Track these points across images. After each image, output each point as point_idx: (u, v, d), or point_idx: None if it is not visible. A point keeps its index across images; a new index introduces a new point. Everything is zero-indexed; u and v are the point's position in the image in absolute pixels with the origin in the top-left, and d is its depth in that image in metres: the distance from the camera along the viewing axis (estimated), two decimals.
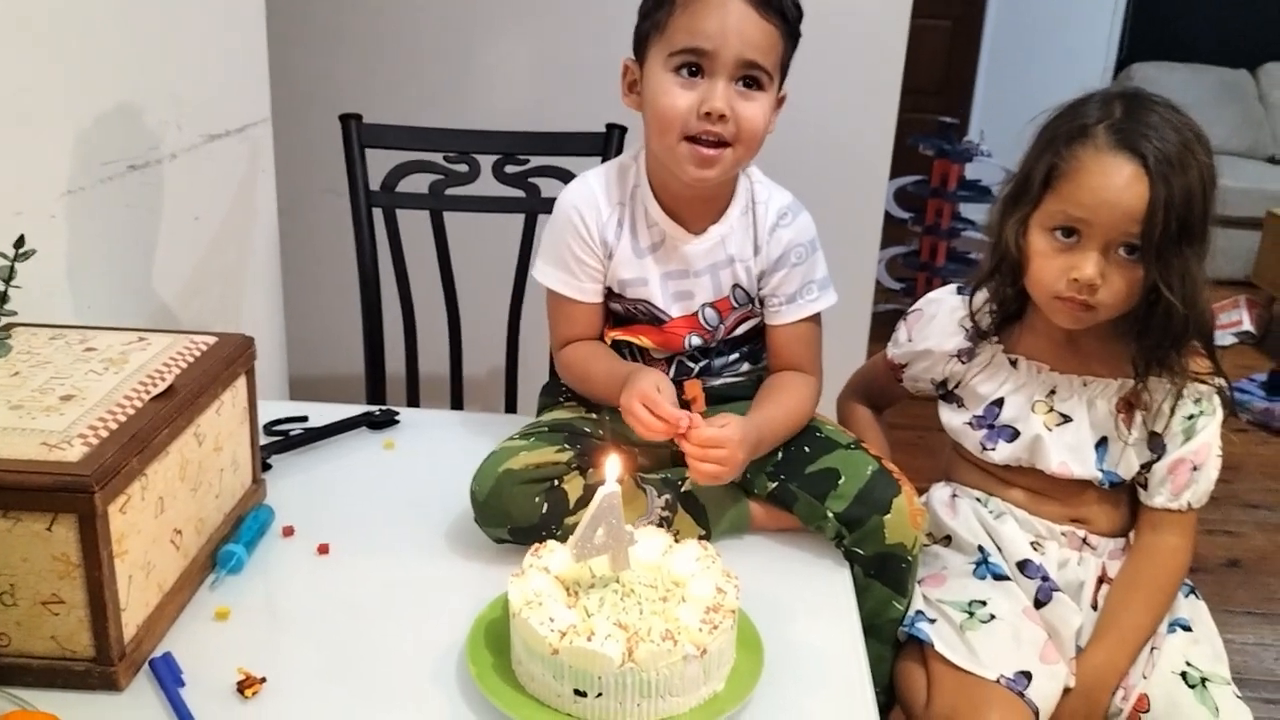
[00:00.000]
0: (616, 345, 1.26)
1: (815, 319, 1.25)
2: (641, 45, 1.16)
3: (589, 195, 1.22)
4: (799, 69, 1.19)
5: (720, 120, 1.10)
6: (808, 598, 1.09)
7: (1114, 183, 1.12)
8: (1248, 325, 4.18)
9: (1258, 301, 4.23)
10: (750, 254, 1.21)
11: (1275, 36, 5.41)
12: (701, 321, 1.23)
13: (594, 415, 1.25)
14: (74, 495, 0.83)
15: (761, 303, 1.24)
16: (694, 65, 1.10)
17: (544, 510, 1.11)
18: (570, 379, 1.27)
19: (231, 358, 1.08)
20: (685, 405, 1.22)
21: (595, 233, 1.21)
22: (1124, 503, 1.29)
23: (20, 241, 0.71)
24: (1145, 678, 1.18)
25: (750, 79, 1.11)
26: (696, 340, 1.24)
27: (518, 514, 1.10)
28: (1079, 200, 1.14)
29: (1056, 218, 1.17)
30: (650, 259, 1.21)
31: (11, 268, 0.71)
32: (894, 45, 2.31)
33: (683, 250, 1.21)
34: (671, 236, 1.21)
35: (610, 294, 1.24)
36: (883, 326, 1.41)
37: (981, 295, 1.29)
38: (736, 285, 1.22)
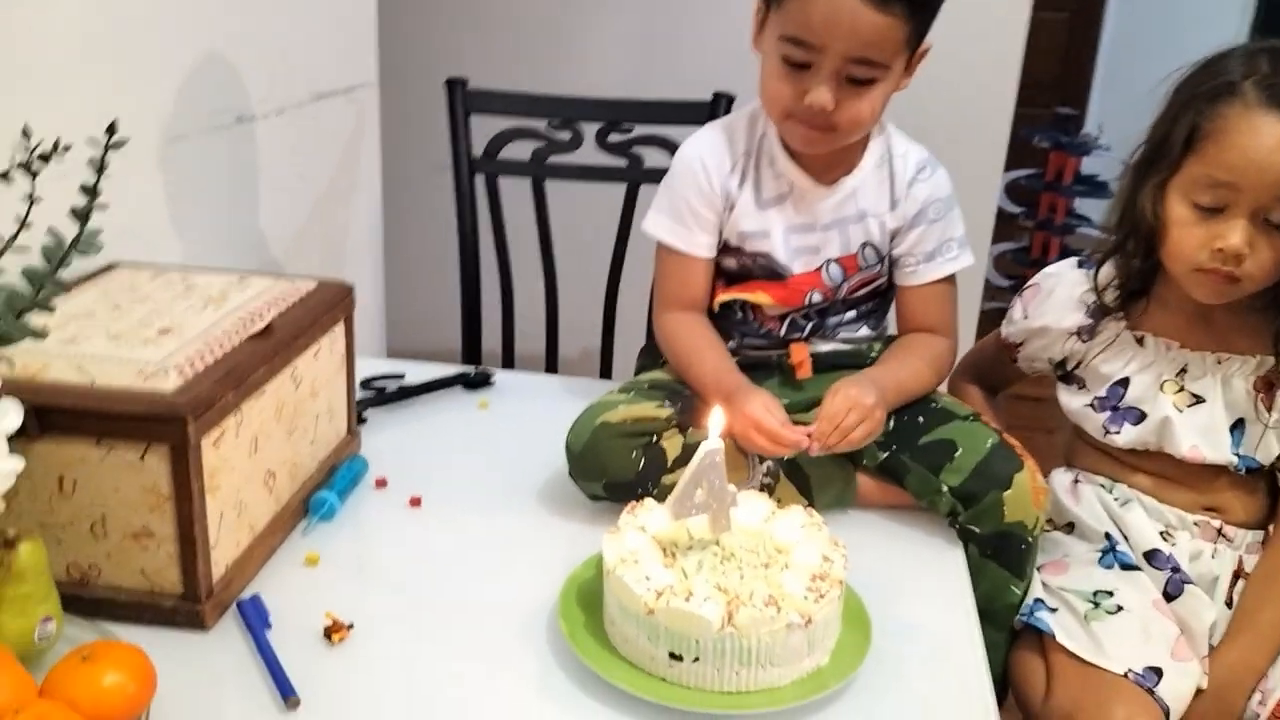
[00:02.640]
0: (728, 305, 1.22)
1: (951, 280, 1.20)
2: None
3: (713, 145, 1.18)
4: (930, 40, 1.12)
5: (822, 114, 1.06)
6: (918, 577, 1.03)
7: (1265, 143, 1.04)
8: None
9: None
10: (886, 208, 1.17)
11: None
12: (825, 278, 1.18)
13: None
14: (167, 424, 0.82)
15: (894, 262, 1.19)
16: (800, 55, 1.05)
17: (640, 466, 1.07)
18: (668, 353, 1.21)
19: (331, 303, 1.06)
20: (790, 371, 1.18)
21: (717, 183, 1.17)
22: (1262, 491, 1.19)
23: (91, 190, 0.69)
24: None
25: (859, 75, 1.05)
26: (818, 297, 1.19)
27: (614, 468, 1.06)
28: (1226, 162, 1.06)
29: (1200, 182, 1.08)
30: (774, 211, 1.17)
31: (87, 210, 0.69)
32: (1013, 37, 2.23)
33: (810, 202, 1.16)
34: (800, 187, 1.16)
35: (727, 248, 1.20)
36: (989, 324, 1.34)
37: (1107, 269, 1.20)
38: (867, 243, 1.17)
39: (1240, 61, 1.08)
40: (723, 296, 1.21)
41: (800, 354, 1.17)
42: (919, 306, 1.20)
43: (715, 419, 0.91)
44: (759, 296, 1.19)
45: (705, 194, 1.17)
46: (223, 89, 1.33)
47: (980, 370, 1.38)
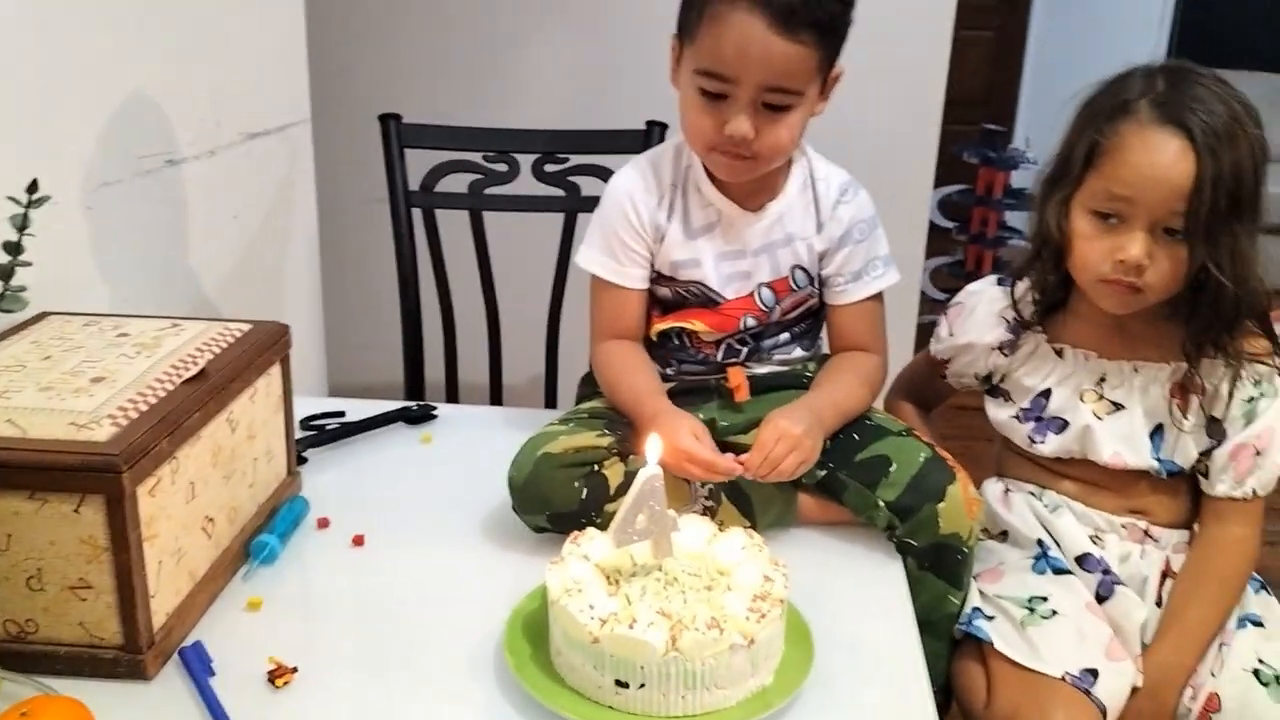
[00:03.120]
0: (665, 334, 1.23)
1: (879, 297, 1.22)
2: (680, 33, 1.13)
3: (639, 180, 1.20)
4: (840, 82, 1.15)
5: (743, 142, 1.08)
6: (859, 592, 1.05)
7: (1159, 159, 1.08)
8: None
9: None
10: (812, 231, 1.19)
11: None
12: (758, 302, 1.20)
13: None
14: (101, 475, 0.81)
15: (823, 283, 1.22)
16: (716, 87, 1.07)
17: (583, 495, 1.07)
18: (601, 380, 1.22)
19: (266, 344, 1.06)
20: (729, 394, 1.19)
21: (646, 217, 1.19)
22: (1185, 493, 1.23)
23: (14, 247, 0.68)
24: (1214, 676, 1.12)
25: (775, 103, 1.08)
26: (751, 321, 1.20)
27: (557, 499, 1.07)
28: (1122, 178, 1.10)
29: (1099, 197, 1.12)
30: (704, 240, 1.19)
31: (10, 269, 0.69)
32: (937, 56, 2.28)
33: (739, 229, 1.18)
34: (727, 215, 1.18)
35: (661, 278, 1.21)
36: (928, 338, 1.37)
37: (1023, 284, 1.24)
38: (797, 266, 1.20)
39: (1140, 81, 1.13)
40: (659, 326, 1.22)
41: (737, 378, 1.19)
42: (849, 324, 1.22)
43: (653, 445, 0.93)
44: (694, 324, 1.21)
45: (634, 228, 1.19)
46: (151, 132, 1.33)
47: (914, 387, 1.42)
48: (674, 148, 1.21)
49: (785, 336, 1.24)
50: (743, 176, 1.14)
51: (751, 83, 1.05)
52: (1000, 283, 1.28)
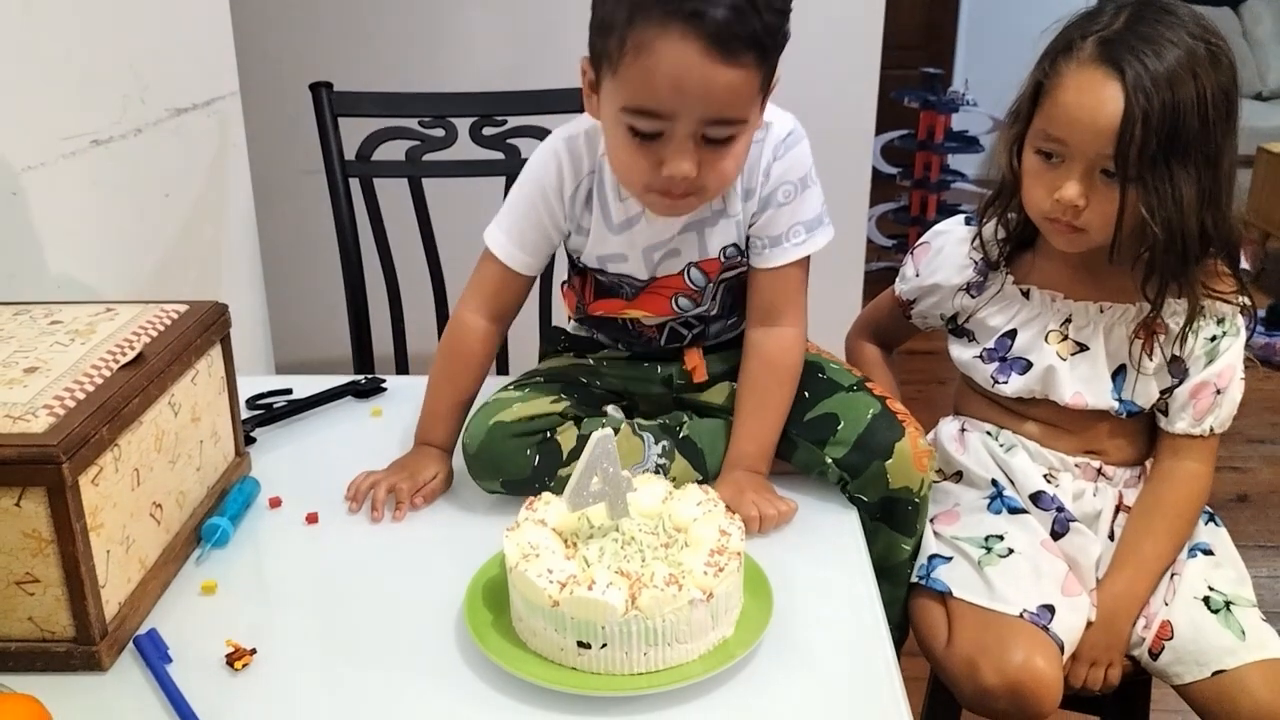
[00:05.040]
0: (605, 321, 1.19)
1: (800, 264, 1.11)
2: (596, 60, 0.99)
3: (555, 170, 1.10)
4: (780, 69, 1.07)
5: (684, 181, 0.97)
6: (815, 541, 1.05)
7: (1086, 100, 1.07)
8: (1244, 263, 4.14)
9: (1253, 239, 4.19)
10: (741, 199, 1.09)
11: None
12: (687, 281, 1.13)
13: (591, 363, 1.20)
14: (40, 467, 0.79)
15: (747, 243, 1.13)
16: (649, 126, 0.95)
17: (535, 463, 1.07)
18: (440, 349, 1.18)
19: (204, 324, 1.04)
20: (687, 375, 1.18)
21: (559, 211, 1.11)
22: (1141, 432, 1.24)
23: None
24: (1167, 604, 1.14)
25: (718, 135, 0.96)
26: (685, 302, 1.15)
27: (510, 468, 1.06)
28: (1056, 118, 1.09)
29: (1040, 136, 1.12)
30: (627, 235, 1.11)
31: None
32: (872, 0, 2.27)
33: (665, 219, 1.09)
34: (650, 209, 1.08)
35: (589, 270, 1.16)
36: (875, 285, 1.36)
37: (991, 225, 1.24)
38: (728, 245, 1.11)
39: (1106, 16, 1.09)
40: (599, 311, 1.19)
41: (694, 359, 1.17)
42: (765, 289, 1.12)
43: (614, 418, 0.93)
44: (630, 313, 1.17)
45: (540, 222, 1.12)
46: (73, 113, 1.29)
47: (876, 327, 1.41)
48: (588, 132, 1.09)
49: (732, 320, 1.19)
50: (684, 212, 1.06)
51: (691, 118, 0.93)
52: (968, 222, 1.28)
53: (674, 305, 1.15)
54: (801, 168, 1.09)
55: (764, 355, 1.11)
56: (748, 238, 1.12)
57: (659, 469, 1.10)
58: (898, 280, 1.35)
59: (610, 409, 1.00)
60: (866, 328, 1.42)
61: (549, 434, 1.09)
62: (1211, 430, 1.19)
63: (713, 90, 0.92)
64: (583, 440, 1.07)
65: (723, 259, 1.12)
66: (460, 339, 1.16)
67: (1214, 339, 1.17)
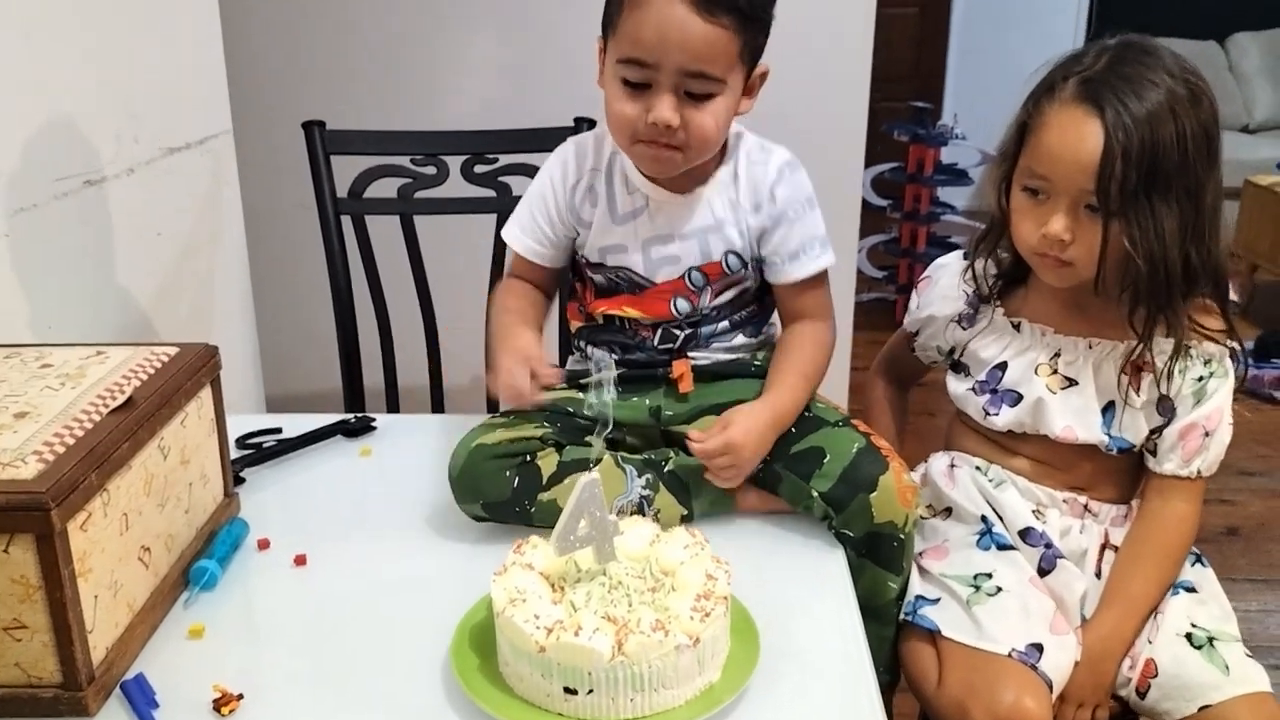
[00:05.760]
0: (602, 326, 1.25)
1: (820, 277, 1.21)
2: (605, 30, 1.13)
3: (559, 167, 1.23)
4: (767, 64, 1.15)
5: (668, 130, 1.08)
6: (801, 581, 1.06)
7: (1068, 138, 1.10)
8: (1232, 295, 4.17)
9: (1240, 271, 4.22)
10: (749, 212, 1.18)
11: (1241, 7, 5.43)
12: (687, 283, 1.20)
13: (579, 395, 1.21)
14: (29, 514, 0.80)
15: (762, 262, 1.21)
16: (638, 75, 1.07)
17: (515, 485, 1.09)
18: (491, 306, 1.30)
19: (194, 367, 1.04)
20: (672, 384, 1.20)
21: (563, 203, 1.22)
22: (1128, 471, 1.25)
23: None
24: (1150, 643, 1.15)
25: (697, 90, 1.07)
26: (683, 304, 1.20)
27: (489, 490, 1.09)
28: (1040, 156, 1.12)
29: (1025, 174, 1.15)
30: (631, 225, 1.20)
31: None
32: (861, 34, 2.30)
33: (668, 213, 1.18)
34: (655, 200, 1.19)
35: (590, 265, 1.23)
36: (866, 316, 1.39)
37: (982, 262, 1.26)
38: (730, 251, 1.19)
39: (1089, 57, 1.13)
40: (598, 309, 1.23)
41: (681, 368, 1.20)
42: (793, 302, 1.22)
43: (597, 446, 0.94)
44: (627, 311, 1.21)
45: (548, 213, 1.23)
46: (66, 153, 1.30)
47: (891, 363, 1.45)
48: (596, 136, 1.23)
49: (725, 325, 1.22)
50: (670, 170, 1.14)
51: (672, 66, 1.05)
52: (966, 256, 1.30)
53: (672, 307, 1.20)
54: (805, 190, 1.20)
55: (797, 339, 1.21)
56: (763, 258, 1.20)
57: (643, 500, 1.12)
58: (906, 314, 1.38)
59: (593, 439, 1.02)
60: (883, 363, 1.46)
61: (529, 458, 1.11)
62: (1199, 473, 1.19)
63: (690, 41, 1.04)
64: (563, 466, 1.10)
65: (725, 266, 1.19)
66: (509, 285, 1.27)
67: (1201, 379, 1.18)
